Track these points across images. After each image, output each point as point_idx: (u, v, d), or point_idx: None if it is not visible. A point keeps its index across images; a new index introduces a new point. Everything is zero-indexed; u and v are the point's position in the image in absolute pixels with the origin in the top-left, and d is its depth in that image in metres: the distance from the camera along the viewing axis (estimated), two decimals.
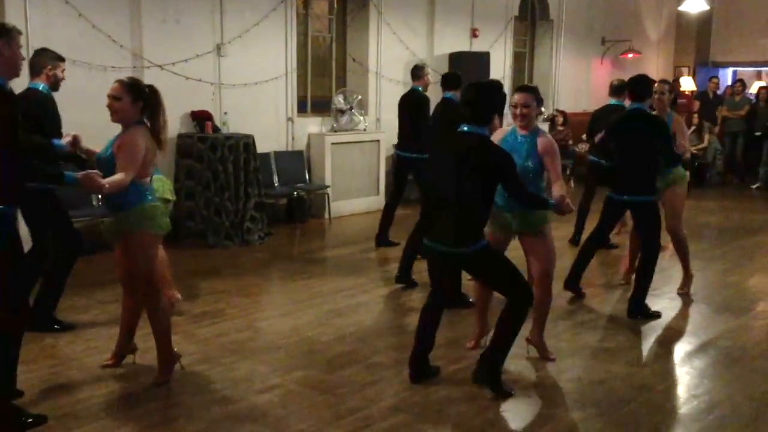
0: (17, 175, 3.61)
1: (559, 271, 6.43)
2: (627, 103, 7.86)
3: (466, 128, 4.07)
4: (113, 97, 4.02)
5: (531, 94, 4.58)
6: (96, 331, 5.09)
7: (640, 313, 5.66)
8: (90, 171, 3.83)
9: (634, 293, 5.72)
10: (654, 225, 5.63)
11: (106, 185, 3.85)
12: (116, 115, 4.05)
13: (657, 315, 5.71)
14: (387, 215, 7.85)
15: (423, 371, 4.38)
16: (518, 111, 4.53)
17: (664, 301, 6.11)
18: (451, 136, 4.20)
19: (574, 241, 7.99)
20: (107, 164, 4.01)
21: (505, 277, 4.12)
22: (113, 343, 4.53)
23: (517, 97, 4.56)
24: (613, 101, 7.88)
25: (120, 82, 4.07)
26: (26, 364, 4.37)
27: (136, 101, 4.04)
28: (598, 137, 6.50)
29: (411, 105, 7.54)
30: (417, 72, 7.69)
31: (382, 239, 7.86)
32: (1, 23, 3.82)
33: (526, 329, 5.04)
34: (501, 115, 4.30)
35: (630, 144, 5.59)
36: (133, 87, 4.05)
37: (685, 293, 6.27)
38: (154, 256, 4.22)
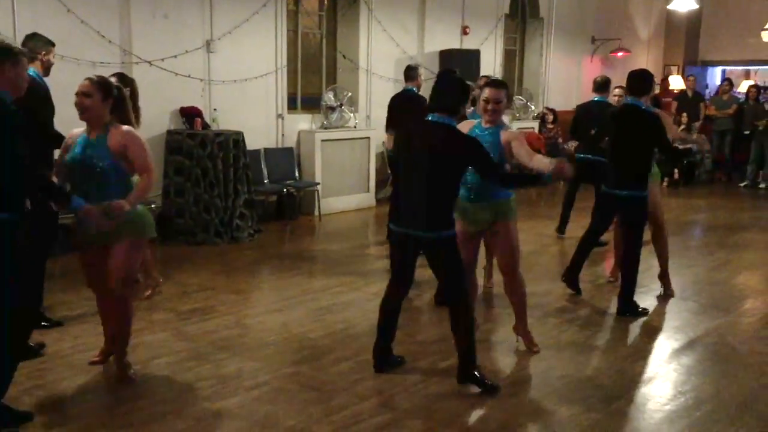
0: (20, 184, 3.63)
1: (551, 267, 6.49)
2: (612, 98, 7.98)
3: (434, 118, 4.13)
4: (83, 94, 3.94)
5: (502, 89, 4.59)
6: (83, 328, 5.06)
7: (628, 310, 5.68)
8: (113, 203, 3.83)
9: (621, 291, 5.74)
10: (640, 222, 5.65)
11: (129, 203, 3.88)
12: (87, 113, 3.96)
13: (645, 312, 5.74)
14: None
15: (389, 361, 4.48)
16: (490, 106, 4.53)
17: (651, 299, 6.15)
18: (421, 126, 4.25)
19: (559, 230, 8.39)
20: (81, 165, 3.93)
21: (459, 269, 4.21)
22: (101, 340, 4.51)
23: (488, 92, 4.55)
24: (596, 98, 8.00)
25: (90, 79, 4.00)
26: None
27: (106, 99, 3.98)
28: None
29: (405, 105, 7.42)
30: (410, 73, 7.61)
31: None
32: (8, 46, 3.90)
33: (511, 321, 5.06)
34: (464, 105, 4.38)
35: (624, 138, 5.59)
36: (102, 85, 4.00)
37: (670, 293, 6.28)
38: (140, 260, 4.22)
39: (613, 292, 6.09)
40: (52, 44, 5.15)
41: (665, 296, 6.22)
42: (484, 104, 4.56)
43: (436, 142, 4.06)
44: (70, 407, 3.90)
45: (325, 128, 9.64)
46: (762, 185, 13.01)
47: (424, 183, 4.08)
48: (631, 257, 5.67)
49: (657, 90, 8.26)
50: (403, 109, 7.37)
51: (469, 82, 6.25)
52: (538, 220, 9.25)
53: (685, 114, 13.29)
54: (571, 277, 6.17)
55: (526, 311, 4.91)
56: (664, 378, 4.59)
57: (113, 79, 5.34)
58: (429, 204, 4.10)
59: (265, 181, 9.04)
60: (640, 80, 5.59)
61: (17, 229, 3.60)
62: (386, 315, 4.44)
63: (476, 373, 4.22)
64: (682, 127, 13.13)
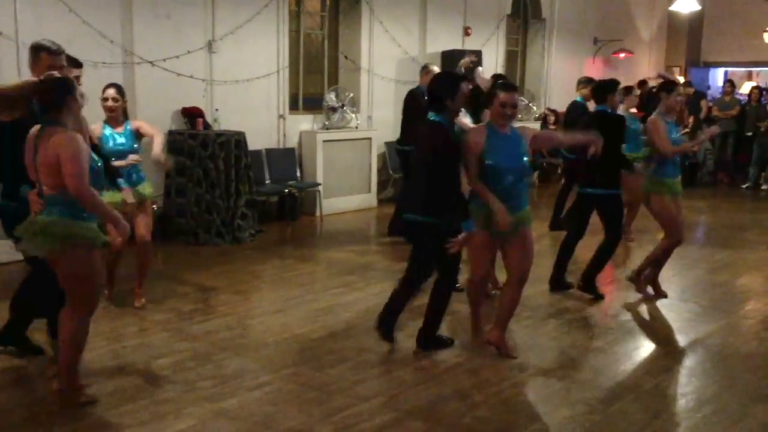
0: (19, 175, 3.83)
1: (551, 268, 6.48)
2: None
3: (431, 117, 4.50)
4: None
5: (515, 92, 4.59)
6: None
7: (585, 289, 6.02)
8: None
9: (585, 270, 6.05)
10: (617, 217, 5.96)
11: None
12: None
13: (600, 297, 6.01)
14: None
15: (392, 329, 4.79)
16: (509, 111, 4.49)
17: (653, 300, 6.14)
18: (423, 125, 4.58)
19: (551, 226, 8.82)
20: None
21: (454, 262, 4.64)
22: (105, 338, 4.52)
23: (505, 96, 4.48)
24: (578, 98, 8.68)
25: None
26: (16, 358, 4.37)
27: None
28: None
29: (409, 102, 7.88)
30: (420, 71, 8.05)
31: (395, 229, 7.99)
32: (37, 44, 4.08)
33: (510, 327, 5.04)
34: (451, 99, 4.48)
35: None
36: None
37: (663, 294, 6.23)
38: None
39: (615, 296, 6.09)
40: (80, 65, 4.93)
41: (656, 297, 6.20)
42: (501, 109, 4.48)
43: (434, 140, 4.43)
44: (71, 406, 3.90)
45: (327, 129, 9.65)
46: (764, 187, 13.00)
47: (425, 174, 4.45)
48: (606, 249, 5.96)
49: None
50: (407, 105, 7.93)
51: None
52: (539, 221, 9.23)
53: (692, 117, 13.26)
54: (556, 282, 6.25)
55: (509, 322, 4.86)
56: (665, 380, 4.58)
57: (112, 90, 5.41)
58: (429, 192, 4.41)
59: (267, 182, 9.04)
60: (598, 89, 6.13)
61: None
62: (399, 294, 4.74)
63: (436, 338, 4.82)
64: (687, 130, 13.12)
